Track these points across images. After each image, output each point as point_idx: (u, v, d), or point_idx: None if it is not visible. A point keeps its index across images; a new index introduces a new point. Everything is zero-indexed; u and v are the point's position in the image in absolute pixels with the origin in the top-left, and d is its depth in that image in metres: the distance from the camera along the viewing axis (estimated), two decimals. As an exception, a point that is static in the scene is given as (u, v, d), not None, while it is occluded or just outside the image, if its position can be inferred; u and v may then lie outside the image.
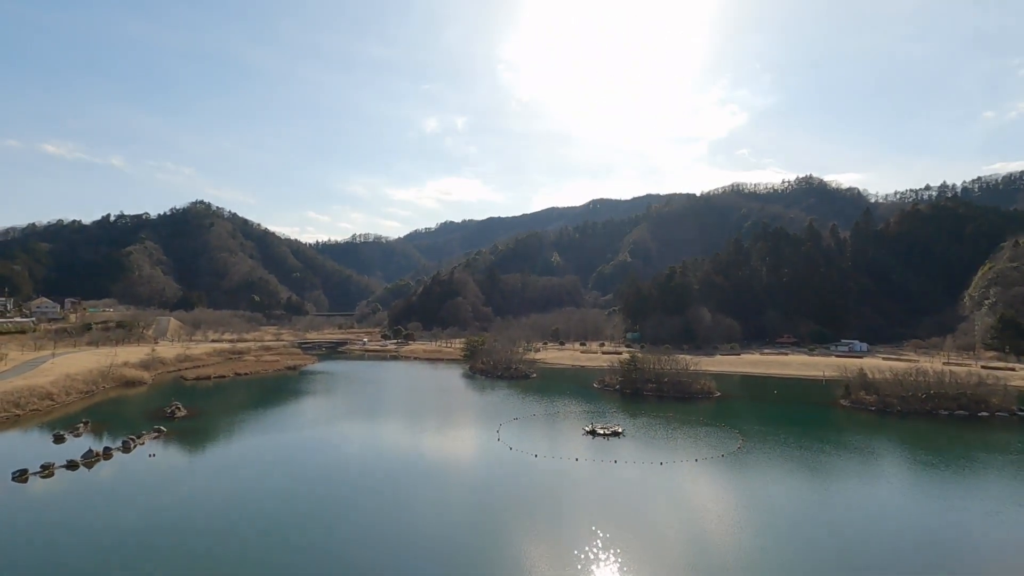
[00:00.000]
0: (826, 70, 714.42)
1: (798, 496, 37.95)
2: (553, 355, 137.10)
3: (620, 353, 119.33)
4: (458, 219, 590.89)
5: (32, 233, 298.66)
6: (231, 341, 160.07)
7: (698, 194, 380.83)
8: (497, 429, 56.32)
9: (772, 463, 45.70)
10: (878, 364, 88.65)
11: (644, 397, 77.77)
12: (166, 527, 31.10)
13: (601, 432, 54.29)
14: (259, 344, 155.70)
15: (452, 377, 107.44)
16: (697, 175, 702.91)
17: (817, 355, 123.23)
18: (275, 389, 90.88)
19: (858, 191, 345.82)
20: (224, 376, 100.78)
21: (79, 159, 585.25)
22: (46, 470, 41.18)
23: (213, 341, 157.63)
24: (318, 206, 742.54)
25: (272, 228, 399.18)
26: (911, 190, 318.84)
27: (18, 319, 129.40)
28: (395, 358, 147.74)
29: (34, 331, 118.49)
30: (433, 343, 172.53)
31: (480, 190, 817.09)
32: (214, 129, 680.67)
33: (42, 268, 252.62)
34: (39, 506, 35.55)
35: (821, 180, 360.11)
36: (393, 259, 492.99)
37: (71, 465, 42.60)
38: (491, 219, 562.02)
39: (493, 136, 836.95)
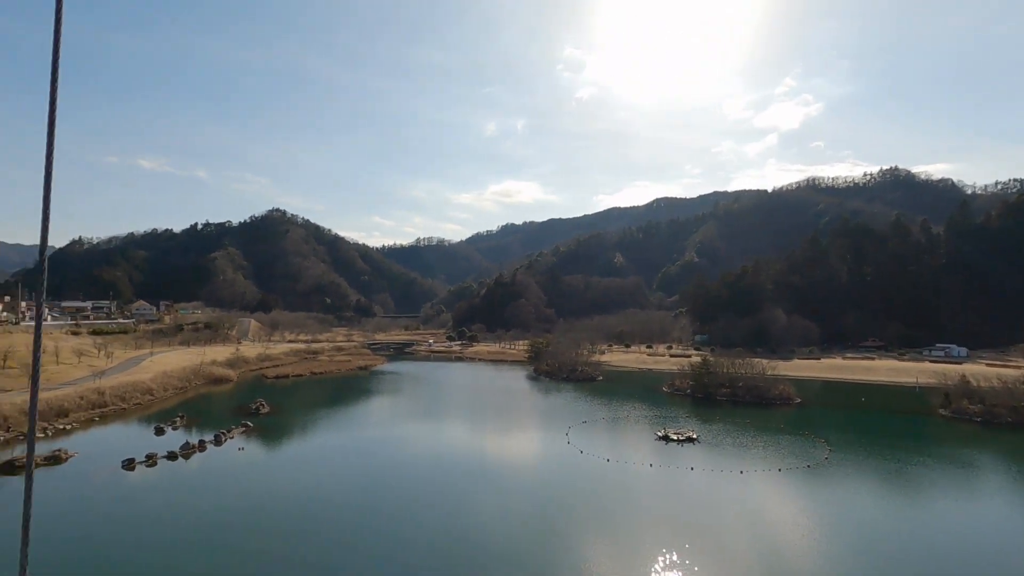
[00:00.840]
0: (907, 54, 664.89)
1: (893, 513, 35.18)
2: (618, 357, 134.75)
3: (689, 356, 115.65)
4: (519, 221, 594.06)
5: (131, 242, 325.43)
6: (306, 342, 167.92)
7: (769, 190, 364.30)
8: (566, 432, 55.82)
9: (864, 476, 42.69)
10: (982, 371, 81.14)
11: (717, 402, 74.88)
12: (253, 513, 32.86)
13: (675, 438, 52.67)
14: (332, 345, 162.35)
15: (516, 378, 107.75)
16: (767, 171, 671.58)
17: (908, 360, 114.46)
18: (348, 388, 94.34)
19: (951, 182, 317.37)
20: (301, 375, 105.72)
21: (168, 172, 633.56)
22: (150, 459, 44.54)
23: (290, 341, 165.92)
24: (383, 211, 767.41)
25: (341, 233, 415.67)
26: (1015, 179, 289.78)
27: (121, 320, 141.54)
28: (460, 359, 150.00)
29: (134, 331, 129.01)
30: (497, 345, 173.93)
31: (539, 192, 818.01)
32: (286, 141, 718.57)
33: (139, 274, 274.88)
34: (145, 491, 38.47)
35: (908, 171, 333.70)
36: (455, 262, 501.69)
37: (171, 456, 45.84)
38: (551, 220, 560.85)
39: (552, 137, 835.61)
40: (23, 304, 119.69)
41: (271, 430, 58.03)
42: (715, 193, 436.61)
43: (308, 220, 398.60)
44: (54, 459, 44.03)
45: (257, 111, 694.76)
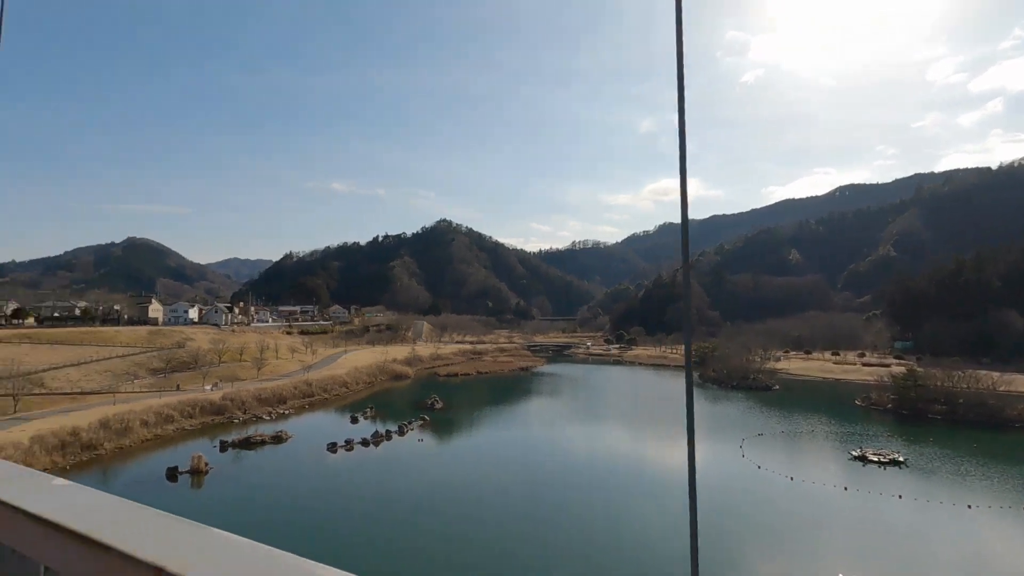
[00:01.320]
0: None
1: None
2: (797, 365, 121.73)
3: (887, 365, 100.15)
4: (677, 220, 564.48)
5: (327, 254, 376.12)
6: (472, 343, 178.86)
7: (994, 167, 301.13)
8: (740, 444, 51.77)
9: None
10: None
11: (929, 420, 63.68)
12: (428, 496, 35.92)
13: (874, 459, 45.90)
14: (495, 346, 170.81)
15: (679, 385, 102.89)
16: (990, 143, 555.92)
17: None
18: (511, 387, 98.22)
19: None
20: (469, 374, 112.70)
21: (355, 193, 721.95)
22: (348, 444, 50.86)
23: (457, 342, 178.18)
24: (540, 216, 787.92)
25: (501, 239, 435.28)
26: None
27: (321, 322, 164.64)
28: (618, 362, 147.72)
29: (332, 332, 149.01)
30: (657, 348, 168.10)
31: (700, 187, 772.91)
32: (450, 156, 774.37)
33: (334, 281, 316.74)
34: (343, 470, 44.04)
35: None
36: (611, 264, 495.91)
37: (364, 442, 51.84)
38: (714, 217, 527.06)
39: (713, 129, 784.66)
40: (252, 309, 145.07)
41: (445, 424, 62.68)
42: (916, 175, 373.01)
43: (471, 228, 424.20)
44: (277, 439, 52.43)
45: (426, 131, 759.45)
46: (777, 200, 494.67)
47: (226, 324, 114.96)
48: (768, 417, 68.36)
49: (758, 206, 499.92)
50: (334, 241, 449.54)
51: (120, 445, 47.62)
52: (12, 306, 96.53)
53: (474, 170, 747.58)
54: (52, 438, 43.70)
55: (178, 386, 70.63)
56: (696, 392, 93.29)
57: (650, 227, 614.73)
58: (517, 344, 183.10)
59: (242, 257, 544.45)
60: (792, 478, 41.26)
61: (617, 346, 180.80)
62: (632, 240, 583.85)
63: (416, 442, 53.91)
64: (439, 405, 71.95)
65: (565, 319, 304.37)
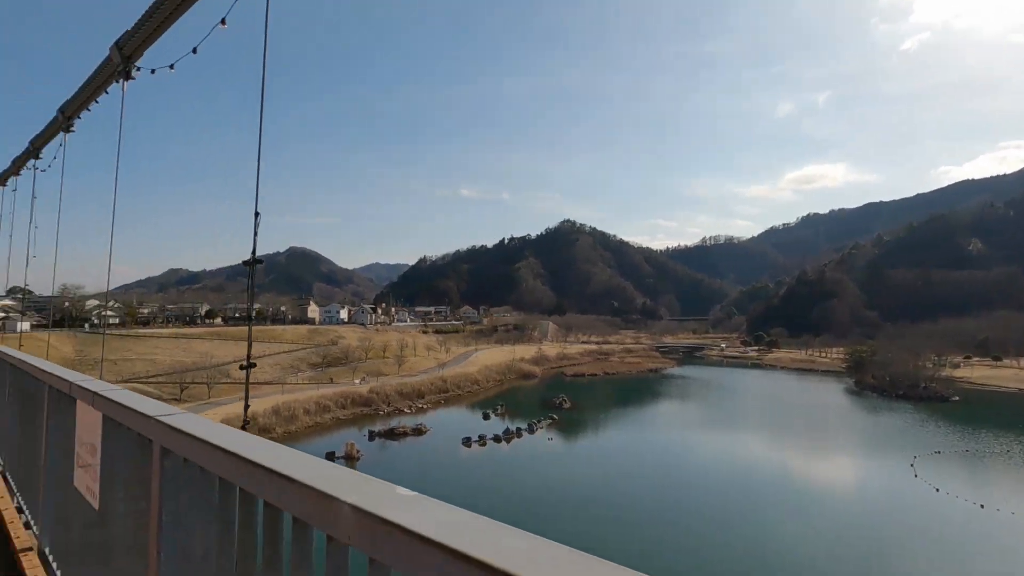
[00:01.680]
0: None
1: None
2: (982, 373, 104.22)
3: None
4: (823, 210, 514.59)
5: (457, 257, 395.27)
6: (598, 343, 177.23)
7: None
8: (911, 463, 45.46)
9: None
10: None
11: None
12: (556, 494, 36.13)
13: (1097, 489, 37.81)
14: (621, 346, 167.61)
15: (830, 392, 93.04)
16: None
17: None
18: (638, 389, 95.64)
19: None
20: (595, 374, 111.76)
21: (481, 198, 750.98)
22: (481, 440, 52.91)
23: (583, 342, 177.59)
24: (666, 212, 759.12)
25: (625, 238, 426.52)
26: None
27: (453, 322, 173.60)
28: (756, 366, 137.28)
29: (463, 331, 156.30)
30: (802, 351, 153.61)
31: (850, 173, 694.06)
32: (572, 156, 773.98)
33: (464, 283, 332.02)
34: (476, 465, 45.84)
35: None
36: (746, 260, 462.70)
37: (496, 439, 53.60)
38: (869, 205, 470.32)
39: (866, 106, 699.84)
40: (392, 309, 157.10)
41: (573, 424, 62.71)
42: None
43: (595, 228, 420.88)
44: (417, 431, 56.08)
45: (550, 134, 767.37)
46: (951, 182, 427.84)
47: (371, 324, 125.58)
48: (946, 433, 59.28)
49: (925, 190, 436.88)
50: (463, 244, 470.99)
51: (288, 430, 54.02)
52: (205, 307, 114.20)
53: (599, 169, 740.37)
54: (237, 421, 50.53)
55: (331, 379, 78.42)
56: (851, 401, 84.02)
57: (790, 219, 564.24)
58: (644, 345, 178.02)
59: (383, 262, 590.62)
60: (983, 505, 35.32)
61: (755, 348, 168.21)
62: (770, 234, 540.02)
63: (546, 441, 54.58)
64: (567, 405, 72.17)
65: (695, 319, 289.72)
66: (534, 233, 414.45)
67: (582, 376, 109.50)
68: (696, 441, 55.89)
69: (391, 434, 54.67)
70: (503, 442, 53.13)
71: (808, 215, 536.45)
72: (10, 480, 5.27)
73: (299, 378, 77.93)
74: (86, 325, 79.20)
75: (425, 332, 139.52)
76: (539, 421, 60.96)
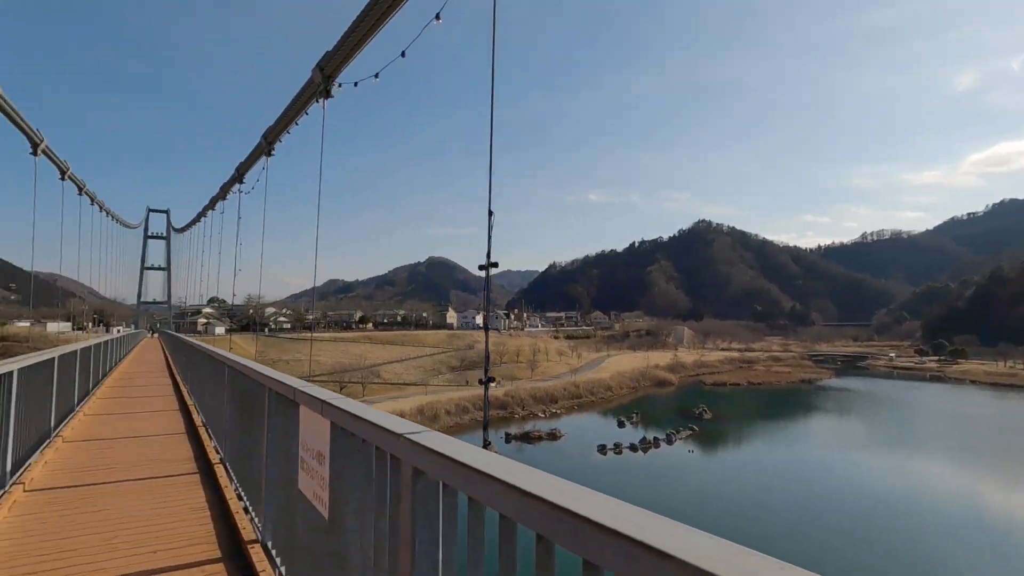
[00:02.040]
0: None
1: None
2: None
3: None
4: (1020, 195, 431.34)
5: (587, 262, 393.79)
6: (739, 350, 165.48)
7: None
8: None
9: None
10: None
11: None
12: (706, 511, 33.81)
13: None
14: (767, 354, 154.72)
15: (1043, 412, 77.29)
16: None
17: None
18: (788, 402, 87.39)
19: None
20: (738, 384, 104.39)
21: (609, 202, 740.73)
22: (616, 448, 51.90)
23: (723, 349, 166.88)
24: (816, 208, 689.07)
25: (769, 237, 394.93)
26: None
27: (584, 327, 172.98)
28: (937, 379, 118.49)
29: (594, 336, 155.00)
30: (998, 363, 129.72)
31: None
32: (705, 154, 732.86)
33: (594, 288, 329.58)
34: (611, 473, 44.92)
35: None
36: (919, 257, 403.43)
37: (632, 447, 52.25)
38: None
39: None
40: (524, 315, 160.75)
41: (715, 436, 59.02)
42: None
43: (733, 227, 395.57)
44: (552, 436, 56.57)
45: (680, 133, 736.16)
46: None
47: (504, 329, 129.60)
48: None
49: None
50: (592, 249, 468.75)
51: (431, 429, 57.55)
52: (358, 314, 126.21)
53: (736, 166, 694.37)
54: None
55: (467, 381, 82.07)
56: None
57: (976, 207, 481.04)
58: (794, 353, 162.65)
59: (514, 268, 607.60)
60: None
61: (935, 358, 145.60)
62: (951, 226, 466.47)
63: (686, 453, 52.00)
64: (708, 415, 68.24)
65: (855, 325, 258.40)
66: (666, 235, 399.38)
67: (723, 385, 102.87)
68: (862, 462, 49.60)
69: (527, 437, 55.79)
70: (639, 451, 51.61)
71: (1001, 202, 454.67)
72: (229, 470, 5.68)
73: (439, 380, 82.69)
74: (265, 329, 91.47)
75: (556, 337, 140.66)
76: (677, 431, 58.31)
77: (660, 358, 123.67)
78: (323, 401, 2.52)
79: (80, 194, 19.16)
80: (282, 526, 3.33)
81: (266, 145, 10.83)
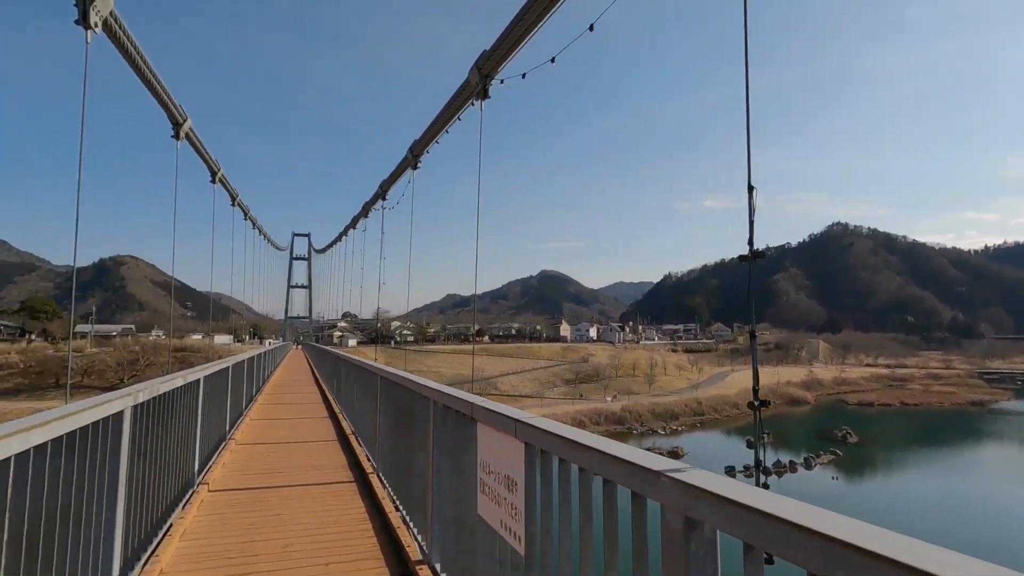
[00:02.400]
0: None
1: None
2: None
3: None
4: None
5: (704, 272, 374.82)
6: (887, 366, 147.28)
7: None
8: None
9: None
10: None
11: None
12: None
13: None
14: (923, 371, 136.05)
15: None
16: None
17: None
18: (953, 427, 75.75)
19: None
20: (889, 404, 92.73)
21: (728, 208, 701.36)
22: (747, 470, 48.08)
23: (867, 365, 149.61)
24: (978, 203, 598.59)
25: (920, 238, 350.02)
26: None
27: (704, 340, 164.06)
28: None
29: (715, 350, 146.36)
30: None
31: None
32: (835, 151, 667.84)
33: (714, 299, 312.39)
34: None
35: None
36: None
37: (765, 471, 47.99)
38: None
39: None
40: (639, 328, 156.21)
41: (863, 462, 52.68)
42: None
43: (875, 229, 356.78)
44: (674, 454, 53.77)
45: (798, 129, 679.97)
46: None
47: (619, 342, 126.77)
48: None
49: None
50: (710, 258, 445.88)
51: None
52: (476, 327, 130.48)
53: (872, 160, 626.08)
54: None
55: (581, 395, 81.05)
56: None
57: None
58: (959, 370, 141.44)
59: (627, 280, 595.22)
60: None
61: None
62: None
63: (829, 479, 46.89)
64: (853, 439, 61.22)
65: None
66: (794, 240, 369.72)
67: (870, 405, 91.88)
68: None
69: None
70: (773, 475, 47.34)
71: None
72: (384, 482, 5.57)
73: (554, 392, 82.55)
74: (391, 342, 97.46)
75: (674, 351, 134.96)
76: (816, 455, 52.88)
77: (792, 374, 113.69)
78: (517, 420, 2.22)
79: (245, 219, 21.66)
80: (455, 551, 3.13)
81: (412, 159, 11.35)
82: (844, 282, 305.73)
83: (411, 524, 4.20)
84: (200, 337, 77.98)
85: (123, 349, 66.77)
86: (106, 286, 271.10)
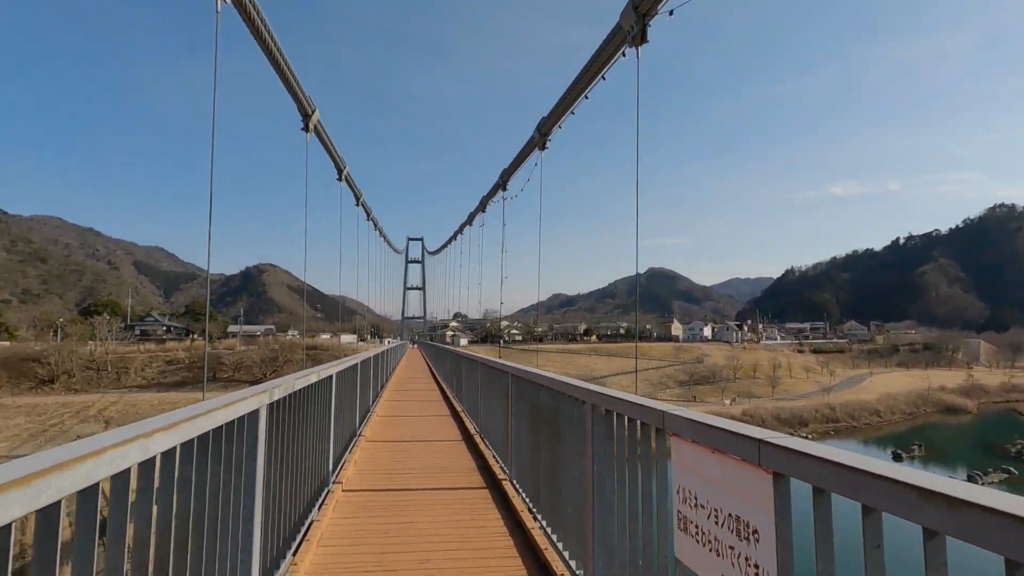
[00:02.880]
0: None
1: None
2: None
3: None
4: None
5: (833, 265, 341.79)
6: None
7: None
8: None
9: None
10: None
11: None
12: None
13: None
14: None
15: None
16: None
17: None
18: None
19: None
20: (1077, 416, 78.20)
21: (858, 194, 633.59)
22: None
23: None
24: None
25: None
26: None
27: (835, 340, 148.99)
28: None
29: (849, 351, 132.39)
30: None
31: None
32: (993, 120, 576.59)
33: (844, 295, 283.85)
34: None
35: None
36: None
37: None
38: None
39: None
40: (759, 326, 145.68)
41: (1049, 485, 44.66)
42: None
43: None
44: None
45: (947, 102, 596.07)
46: None
47: (737, 341, 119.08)
48: None
49: None
50: (839, 250, 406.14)
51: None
52: (583, 327, 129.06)
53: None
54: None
55: (694, 397, 76.91)
56: None
57: None
58: None
59: (742, 277, 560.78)
60: None
61: None
62: None
63: (1002, 502, 40.28)
64: (1033, 455, 52.29)
65: None
66: (944, 227, 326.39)
67: (1052, 417, 78.09)
68: None
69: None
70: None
71: None
72: (521, 493, 5.11)
73: (666, 394, 79.17)
74: (500, 341, 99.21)
75: (800, 351, 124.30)
76: (984, 472, 45.68)
77: (946, 378, 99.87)
78: (761, 440, 1.55)
79: (368, 219, 22.78)
80: None
81: (540, 138, 11.19)
82: (1011, 273, 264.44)
83: (560, 546, 3.66)
84: (328, 337, 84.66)
85: (264, 348, 74.08)
86: (251, 291, 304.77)
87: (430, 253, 70.39)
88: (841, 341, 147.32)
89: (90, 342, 68.72)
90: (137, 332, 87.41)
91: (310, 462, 4.37)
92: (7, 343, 73.87)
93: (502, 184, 15.57)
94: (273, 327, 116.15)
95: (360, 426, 8.49)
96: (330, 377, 5.31)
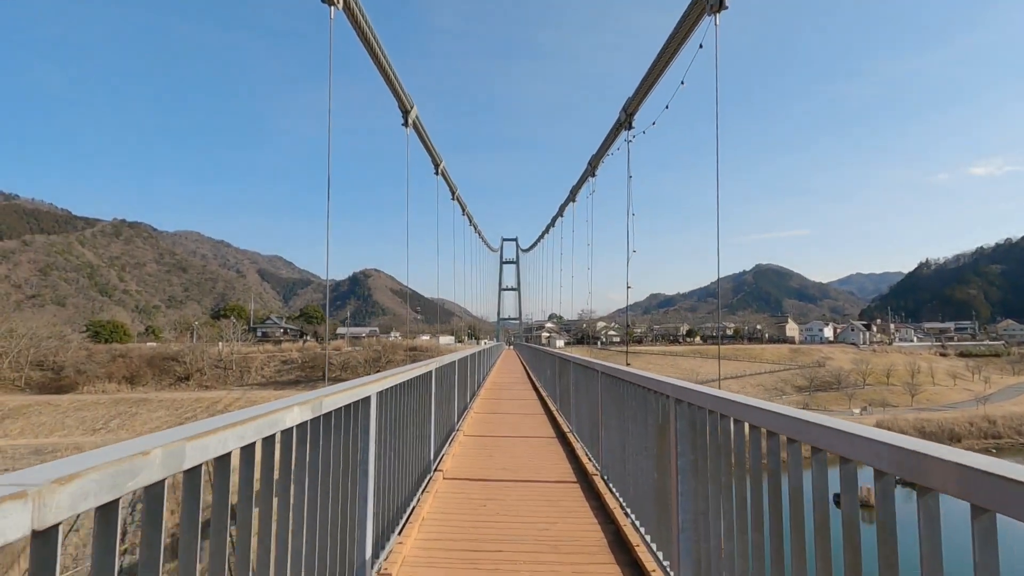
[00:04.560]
0: None
1: None
2: None
3: None
4: None
5: (979, 257, 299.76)
6: None
7: None
8: None
9: None
10: None
11: None
12: None
13: None
14: None
15: None
16: None
17: None
18: None
19: None
20: None
21: (1005, 174, 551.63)
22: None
23: None
24: None
25: None
26: None
27: (988, 342, 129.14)
28: None
29: (1007, 355, 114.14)
30: None
31: None
32: None
33: (995, 290, 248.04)
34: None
35: None
36: None
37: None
38: None
39: None
40: (891, 327, 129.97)
41: None
42: None
43: None
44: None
45: None
46: None
47: (864, 343, 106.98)
48: None
49: None
50: (980, 240, 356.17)
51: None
52: (685, 328, 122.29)
53: None
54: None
55: (806, 404, 69.35)
56: None
57: None
58: None
59: (865, 272, 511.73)
60: None
61: None
62: None
63: None
64: None
65: None
66: None
67: None
68: None
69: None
70: None
71: None
72: (615, 492, 4.82)
73: (784, 400, 72.30)
74: (598, 342, 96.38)
75: (943, 354, 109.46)
76: None
77: None
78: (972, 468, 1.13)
79: (463, 214, 22.27)
80: None
81: (626, 118, 9.58)
82: None
83: (649, 540, 3.54)
84: (427, 338, 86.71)
85: (368, 348, 77.21)
86: (358, 295, 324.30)
87: (523, 250, 69.65)
88: (995, 343, 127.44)
89: (219, 343, 75.25)
90: (259, 334, 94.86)
91: (414, 450, 4.61)
92: (154, 344, 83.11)
93: (591, 171, 14.28)
94: (376, 329, 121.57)
95: (458, 422, 8.78)
96: (430, 372, 5.60)
